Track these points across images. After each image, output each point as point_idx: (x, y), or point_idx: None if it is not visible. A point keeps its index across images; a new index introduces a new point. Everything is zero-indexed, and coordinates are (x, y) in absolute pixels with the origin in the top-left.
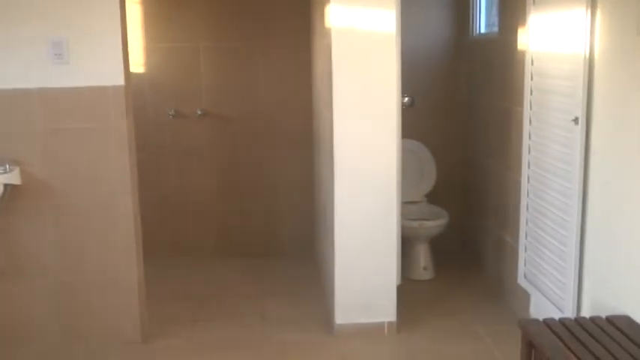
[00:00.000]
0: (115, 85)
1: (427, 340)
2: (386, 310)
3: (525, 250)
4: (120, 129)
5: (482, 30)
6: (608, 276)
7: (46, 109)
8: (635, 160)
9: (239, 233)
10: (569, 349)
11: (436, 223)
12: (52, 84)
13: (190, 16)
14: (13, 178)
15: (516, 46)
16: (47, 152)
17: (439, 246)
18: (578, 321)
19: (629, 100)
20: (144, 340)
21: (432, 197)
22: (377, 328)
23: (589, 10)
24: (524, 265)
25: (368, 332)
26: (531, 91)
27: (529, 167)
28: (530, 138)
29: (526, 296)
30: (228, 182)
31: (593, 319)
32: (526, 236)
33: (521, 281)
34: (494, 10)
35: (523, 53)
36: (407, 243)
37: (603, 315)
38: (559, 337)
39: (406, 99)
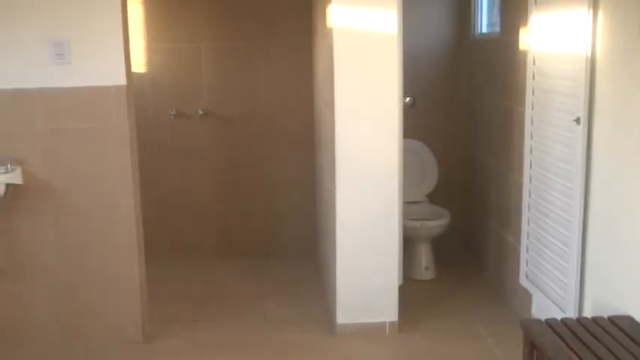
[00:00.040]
0: (116, 85)
1: (429, 340)
2: (387, 310)
3: (527, 251)
4: (121, 129)
5: (484, 30)
6: (610, 276)
7: (48, 109)
8: (636, 160)
9: (240, 233)
10: (571, 349)
11: (438, 223)
12: (54, 84)
13: (192, 17)
14: (15, 177)
15: (518, 46)
16: (49, 152)
17: (441, 246)
18: (580, 321)
19: (630, 100)
20: (145, 339)
21: (434, 197)
22: (378, 328)
23: (591, 11)
24: (526, 266)
25: (369, 332)
26: (533, 91)
27: (531, 167)
28: (531, 138)
29: (528, 296)
30: (229, 182)
31: (596, 320)
32: (528, 236)
33: (523, 281)
34: (496, 10)
35: (525, 53)
36: (408, 243)
37: (605, 315)
38: (561, 338)
39: (408, 99)
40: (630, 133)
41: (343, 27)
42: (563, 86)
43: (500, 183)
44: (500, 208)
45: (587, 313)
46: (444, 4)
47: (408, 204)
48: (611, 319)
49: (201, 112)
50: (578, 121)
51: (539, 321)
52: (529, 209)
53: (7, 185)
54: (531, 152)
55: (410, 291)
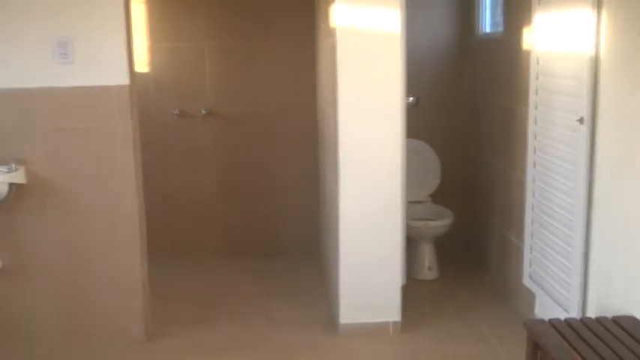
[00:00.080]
0: (119, 85)
1: (432, 340)
2: (390, 310)
3: (530, 251)
4: (124, 128)
5: (487, 29)
6: (614, 276)
7: (51, 109)
8: None
9: (243, 233)
10: (574, 349)
11: (441, 222)
12: (57, 83)
13: (195, 16)
14: (18, 177)
15: (521, 45)
16: (52, 151)
17: (444, 246)
18: (584, 321)
19: (634, 99)
20: (148, 339)
21: (437, 197)
22: (381, 327)
23: (595, 10)
24: (530, 266)
25: (372, 332)
26: (536, 90)
27: (534, 167)
28: (535, 138)
29: (531, 296)
30: (232, 182)
31: (599, 320)
32: (531, 236)
33: (527, 281)
34: (499, 10)
35: (528, 53)
36: (411, 243)
37: (609, 315)
38: (564, 338)
39: (411, 98)
40: (634, 133)
41: (346, 26)
42: (567, 86)
43: (503, 183)
44: (503, 208)
45: (591, 313)
46: (447, 3)
47: (410, 204)
48: (615, 320)
49: (204, 112)
50: (581, 120)
51: (542, 321)
52: (532, 209)
53: (11, 185)
54: (535, 152)
55: (413, 291)
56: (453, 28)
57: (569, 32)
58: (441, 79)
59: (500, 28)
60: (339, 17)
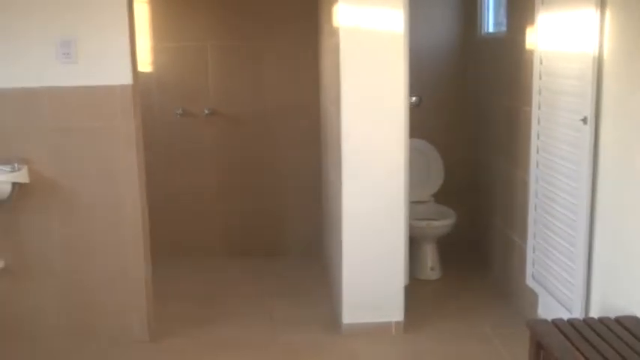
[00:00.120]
0: (122, 85)
1: (435, 340)
2: (393, 310)
3: (533, 251)
4: (127, 128)
5: (491, 29)
6: (617, 276)
7: (55, 108)
8: None
9: (245, 232)
10: (577, 349)
11: (443, 222)
12: (61, 83)
13: (198, 16)
14: (21, 176)
15: (525, 45)
16: (55, 151)
17: (446, 246)
18: (587, 322)
19: (637, 99)
20: (151, 339)
21: (440, 197)
22: (384, 327)
23: (598, 10)
24: (533, 266)
25: (375, 332)
26: (540, 90)
27: (537, 167)
28: (538, 138)
29: (534, 297)
30: (235, 181)
31: (602, 320)
32: (534, 236)
33: (530, 282)
34: (503, 9)
35: (531, 52)
36: (414, 243)
37: (612, 316)
38: (567, 338)
39: (413, 98)
40: (637, 133)
41: (350, 26)
42: (570, 86)
43: (506, 183)
44: (506, 208)
45: (594, 313)
46: (451, 3)
47: (413, 204)
48: (618, 320)
49: (207, 112)
50: (585, 120)
51: (545, 321)
52: (535, 209)
53: (14, 184)
54: (538, 152)
55: (416, 291)
56: (456, 27)
57: (573, 32)
58: (443, 78)
59: (504, 28)
60: (343, 17)
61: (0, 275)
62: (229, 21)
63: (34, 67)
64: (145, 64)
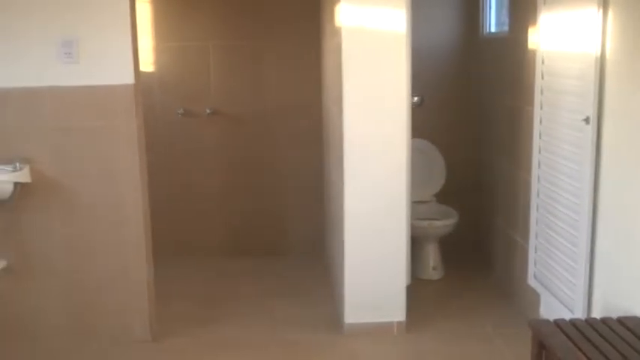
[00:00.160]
0: (124, 84)
1: (437, 340)
2: (395, 310)
3: (535, 251)
4: (129, 128)
5: (493, 29)
6: (619, 276)
7: (56, 108)
8: None
9: (247, 232)
10: (579, 349)
11: (445, 222)
12: (62, 83)
13: (200, 16)
14: (23, 176)
15: (527, 45)
16: (57, 150)
17: (448, 246)
18: (589, 322)
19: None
20: (153, 338)
21: (442, 197)
22: (386, 327)
23: (600, 10)
24: (535, 266)
25: (377, 332)
26: (542, 90)
27: (539, 167)
28: (540, 137)
29: (536, 296)
30: (236, 181)
31: (604, 320)
32: (536, 236)
33: (532, 281)
34: (505, 9)
35: (534, 52)
36: (416, 243)
37: (614, 316)
38: (570, 338)
39: (415, 98)
40: None
41: (352, 26)
42: (573, 86)
43: (508, 183)
44: (508, 208)
45: (596, 313)
46: (453, 3)
47: (415, 203)
48: (620, 320)
49: (208, 111)
50: (587, 120)
51: (547, 321)
52: (537, 209)
53: (15, 184)
54: (540, 152)
55: (418, 291)
56: (458, 27)
57: (575, 32)
58: (446, 78)
59: (506, 28)
60: (345, 17)
61: (1, 275)
62: (231, 21)
63: (36, 67)
64: (147, 64)
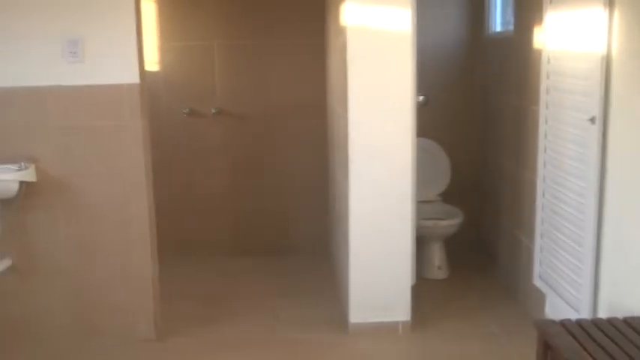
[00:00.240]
0: (129, 84)
1: (442, 340)
2: (400, 310)
3: (541, 251)
4: (135, 127)
5: (498, 28)
6: (625, 276)
7: (62, 107)
8: None
9: (252, 232)
10: (585, 350)
11: (450, 222)
12: (68, 82)
13: (205, 15)
14: (29, 175)
15: (532, 44)
16: (62, 150)
17: (453, 245)
18: (595, 322)
19: None
20: (157, 338)
21: (447, 196)
22: (391, 327)
23: (606, 9)
24: (540, 266)
25: (382, 331)
26: (547, 90)
27: (545, 167)
28: (545, 137)
29: (541, 296)
30: (241, 180)
31: (610, 321)
32: (542, 236)
33: (537, 281)
34: (510, 9)
35: (539, 52)
36: (421, 242)
37: (620, 316)
38: (575, 338)
39: (421, 98)
40: None
41: (357, 25)
42: (578, 85)
43: (513, 182)
44: (513, 208)
45: (602, 313)
46: (458, 2)
47: (420, 203)
48: (626, 320)
49: (214, 111)
50: (593, 120)
51: (553, 322)
52: (543, 209)
53: (21, 183)
54: (545, 152)
55: (423, 290)
56: (464, 26)
57: (581, 31)
58: (450, 78)
59: (511, 27)
60: (350, 16)
61: (7, 274)
62: (236, 20)
63: (41, 66)
64: (152, 64)
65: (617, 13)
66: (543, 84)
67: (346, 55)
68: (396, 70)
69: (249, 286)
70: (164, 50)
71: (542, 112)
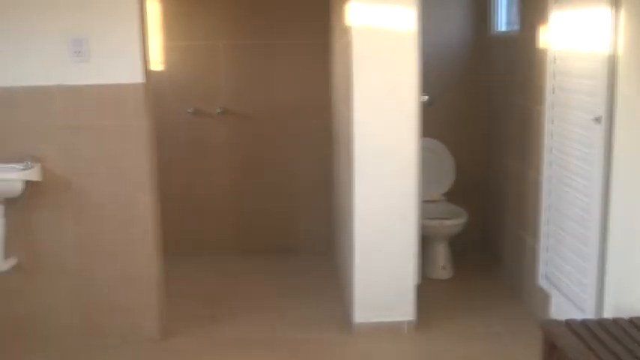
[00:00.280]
0: (135, 83)
1: (446, 340)
2: (405, 309)
3: (546, 251)
4: (140, 127)
5: (503, 28)
6: (631, 277)
7: (67, 107)
8: None
9: (257, 231)
10: (591, 350)
11: (455, 222)
12: (73, 81)
13: (210, 15)
14: (34, 174)
15: (537, 44)
16: (67, 149)
17: (458, 245)
18: (600, 322)
19: None
20: (162, 337)
21: (451, 196)
22: (396, 327)
23: (612, 8)
24: (545, 266)
25: (387, 331)
26: (553, 89)
27: (550, 167)
28: (551, 137)
29: (546, 297)
30: (246, 180)
31: (616, 321)
32: (547, 236)
33: (542, 282)
34: (515, 8)
35: (544, 51)
36: (426, 242)
37: (626, 316)
38: (581, 339)
39: (425, 97)
40: None
41: (362, 25)
42: (584, 85)
43: (518, 182)
44: (518, 208)
45: (607, 313)
46: (463, 2)
47: (425, 203)
48: (632, 321)
49: (218, 110)
50: (598, 120)
51: (558, 322)
52: (548, 209)
53: (26, 182)
54: (550, 151)
55: (427, 290)
56: (468, 26)
57: (586, 31)
58: (455, 77)
59: (516, 27)
60: (355, 15)
61: (12, 273)
62: (241, 20)
63: (46, 66)
64: (157, 63)
65: (622, 13)
66: (548, 84)
67: (351, 54)
68: (401, 70)
69: (252, 285)
70: (169, 50)
71: (548, 111)
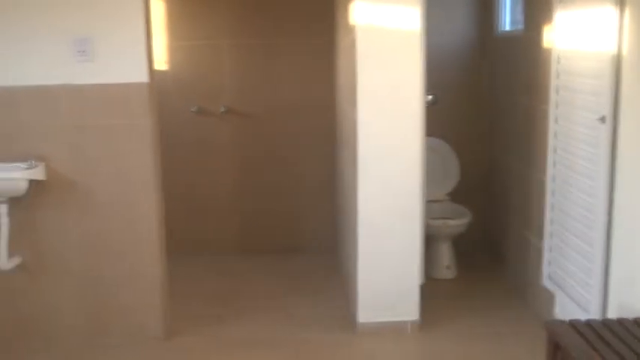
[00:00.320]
0: (139, 83)
1: (450, 340)
2: (409, 309)
3: (550, 251)
4: (144, 126)
5: (507, 27)
6: (635, 276)
7: (71, 106)
8: None
9: (261, 230)
10: (595, 350)
11: (459, 221)
12: (77, 81)
13: (213, 14)
14: (38, 173)
15: (542, 43)
16: (72, 148)
17: (462, 245)
18: (605, 322)
19: None
20: (166, 336)
21: (455, 196)
22: (400, 327)
23: (617, 8)
24: (549, 266)
25: (391, 331)
26: (557, 89)
27: (554, 166)
28: (555, 137)
29: (550, 297)
30: (250, 179)
31: (620, 321)
32: (551, 236)
33: (546, 282)
34: (519, 8)
35: (549, 51)
36: (430, 242)
37: (630, 316)
38: (585, 339)
39: (430, 97)
40: None
41: (366, 24)
42: (589, 85)
43: (522, 182)
44: (522, 208)
45: (612, 314)
46: (467, 1)
47: (429, 202)
48: (637, 321)
49: (222, 109)
50: (603, 119)
51: (563, 322)
52: (552, 209)
53: (30, 181)
54: (555, 151)
55: (431, 290)
56: (473, 25)
57: (591, 30)
58: (460, 77)
59: (521, 26)
60: (359, 15)
61: (16, 272)
62: (245, 19)
63: (51, 65)
64: (161, 62)
65: (627, 12)
66: (553, 83)
67: (355, 53)
68: (406, 69)
69: (257, 284)
70: (173, 49)
71: (552, 111)
